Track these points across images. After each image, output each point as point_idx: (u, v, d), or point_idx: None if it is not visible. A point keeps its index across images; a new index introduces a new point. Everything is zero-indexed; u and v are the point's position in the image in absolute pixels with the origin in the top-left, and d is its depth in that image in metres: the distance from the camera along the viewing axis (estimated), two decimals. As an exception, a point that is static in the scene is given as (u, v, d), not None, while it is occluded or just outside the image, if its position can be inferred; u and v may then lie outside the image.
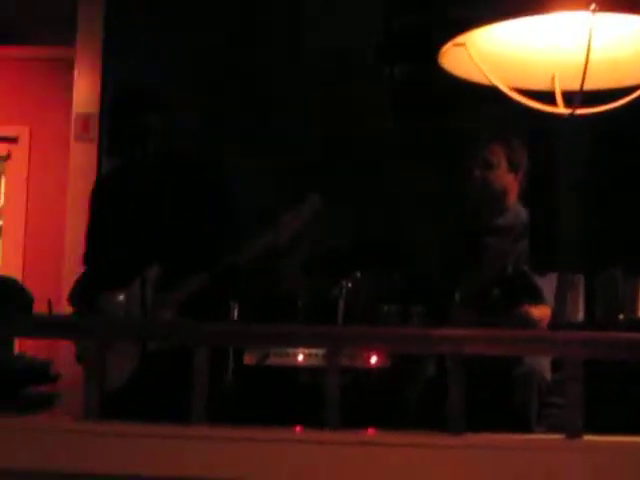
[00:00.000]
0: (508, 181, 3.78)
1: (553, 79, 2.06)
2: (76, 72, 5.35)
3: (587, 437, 2.42)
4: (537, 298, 3.55)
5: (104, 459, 2.47)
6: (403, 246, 4.37)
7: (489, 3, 1.92)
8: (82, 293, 3.53)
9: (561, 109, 2.02)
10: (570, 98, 2.06)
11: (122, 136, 3.45)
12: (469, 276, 3.61)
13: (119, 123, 3.47)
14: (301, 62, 5.23)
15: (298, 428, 2.56)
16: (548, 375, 3.68)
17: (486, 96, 4.46)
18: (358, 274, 4.34)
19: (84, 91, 5.35)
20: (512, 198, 3.80)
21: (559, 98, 2.05)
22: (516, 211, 3.76)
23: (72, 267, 5.27)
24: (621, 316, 4.18)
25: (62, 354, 4.79)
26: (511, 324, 3.44)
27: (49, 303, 4.57)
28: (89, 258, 3.67)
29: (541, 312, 3.59)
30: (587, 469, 2.40)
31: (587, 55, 1.93)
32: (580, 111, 2.01)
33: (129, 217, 3.49)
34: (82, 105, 5.35)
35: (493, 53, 2.06)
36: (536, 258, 3.20)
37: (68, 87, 5.36)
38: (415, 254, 4.45)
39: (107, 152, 3.43)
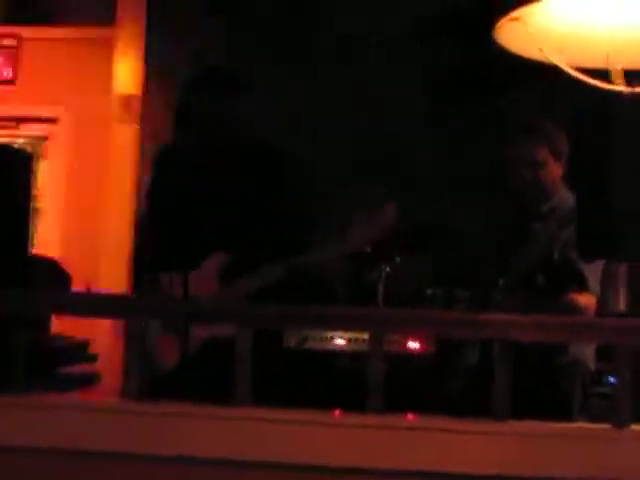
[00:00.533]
0: (555, 172, 3.72)
1: (609, 57, 2.00)
2: (117, 52, 5.32)
3: (635, 426, 2.37)
4: (583, 286, 3.48)
5: (145, 439, 2.45)
6: (442, 231, 4.32)
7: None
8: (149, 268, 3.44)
9: (620, 87, 1.96)
10: (628, 75, 2.00)
11: (201, 114, 3.36)
12: (513, 262, 3.55)
13: (200, 101, 3.37)
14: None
15: (337, 411, 2.53)
16: (592, 365, 3.63)
17: (529, 79, 4.44)
18: (398, 259, 4.29)
19: (125, 72, 5.32)
20: (557, 183, 3.74)
21: (615, 76, 1.99)
22: (561, 196, 3.70)
23: (109, 249, 5.30)
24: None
25: (99, 334, 4.80)
26: (556, 312, 3.38)
27: (87, 282, 4.57)
28: (149, 232, 3.54)
29: (587, 300, 3.53)
30: (635, 459, 2.34)
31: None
32: (640, 89, 1.95)
33: (198, 197, 3.39)
34: (123, 86, 5.32)
35: (548, 29, 2.00)
36: (583, 244, 3.13)
37: (109, 68, 5.34)
38: (456, 239, 4.39)
39: (177, 126, 3.26)
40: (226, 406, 2.45)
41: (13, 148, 4.42)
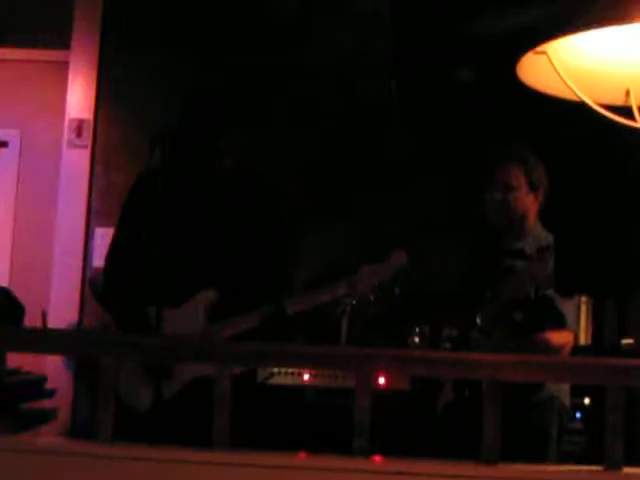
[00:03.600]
0: (528, 203, 3.67)
1: (628, 93, 1.95)
2: (71, 76, 5.19)
3: (627, 469, 2.31)
4: (560, 323, 3.45)
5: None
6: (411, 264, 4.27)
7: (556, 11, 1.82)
8: (124, 303, 3.31)
9: (641, 124, 1.91)
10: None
11: (193, 148, 3.22)
12: (489, 300, 3.50)
13: (192, 133, 3.23)
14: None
15: (302, 453, 2.44)
16: (567, 401, 3.60)
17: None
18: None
19: (79, 96, 5.20)
20: (532, 219, 3.70)
21: (637, 113, 1.94)
22: (536, 234, 3.65)
23: (61, 277, 5.15)
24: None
25: (50, 368, 4.66)
26: (530, 351, 3.35)
27: (43, 315, 4.42)
28: (122, 264, 3.40)
29: (564, 338, 3.50)
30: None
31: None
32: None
33: (187, 231, 3.27)
34: (76, 110, 5.20)
35: (572, 64, 1.94)
36: (561, 281, 3.10)
37: (62, 91, 5.20)
38: (426, 274, 4.33)
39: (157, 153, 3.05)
40: (203, 450, 2.35)
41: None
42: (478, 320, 3.41)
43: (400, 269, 3.31)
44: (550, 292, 3.36)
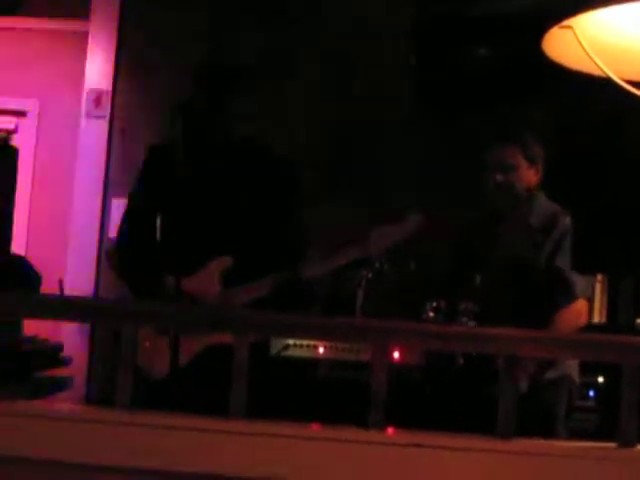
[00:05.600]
0: (529, 177, 3.74)
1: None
2: (90, 46, 5.21)
3: (641, 446, 2.32)
4: (572, 296, 3.48)
5: (133, 451, 2.35)
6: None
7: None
8: (138, 272, 3.33)
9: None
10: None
11: (205, 117, 3.22)
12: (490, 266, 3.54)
13: (203, 101, 3.22)
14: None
15: (315, 425, 2.45)
16: (577, 378, 3.62)
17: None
18: (377, 264, 4.22)
19: (98, 66, 5.21)
20: (534, 190, 3.75)
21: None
22: (540, 204, 3.71)
23: (77, 247, 5.18)
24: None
25: (66, 336, 4.69)
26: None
27: (60, 284, 4.45)
28: (136, 232, 3.42)
29: (578, 308, 3.53)
30: (640, 479, 2.30)
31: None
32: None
33: (202, 200, 3.28)
34: (95, 81, 5.22)
35: (598, 39, 1.94)
36: (580, 257, 3.11)
37: (81, 61, 5.22)
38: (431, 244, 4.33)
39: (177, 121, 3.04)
40: (219, 418, 2.37)
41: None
42: (477, 280, 3.44)
43: (416, 233, 3.27)
44: (559, 264, 3.39)
